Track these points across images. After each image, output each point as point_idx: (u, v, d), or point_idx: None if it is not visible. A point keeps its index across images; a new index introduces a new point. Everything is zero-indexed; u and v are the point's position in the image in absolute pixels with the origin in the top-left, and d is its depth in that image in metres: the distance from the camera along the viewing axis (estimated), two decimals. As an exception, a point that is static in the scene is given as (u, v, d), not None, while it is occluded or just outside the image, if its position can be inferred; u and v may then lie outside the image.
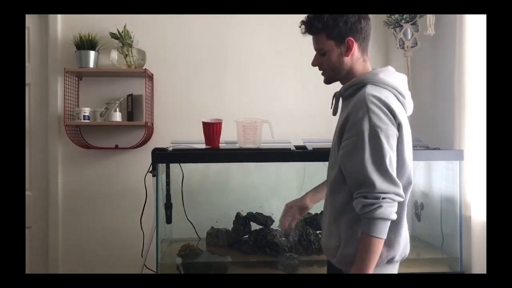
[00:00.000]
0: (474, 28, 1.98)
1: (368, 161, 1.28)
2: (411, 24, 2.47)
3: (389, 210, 1.28)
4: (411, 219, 2.53)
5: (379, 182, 1.27)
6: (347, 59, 1.45)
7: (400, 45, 2.54)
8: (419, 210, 2.40)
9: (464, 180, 2.03)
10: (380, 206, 1.26)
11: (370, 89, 1.35)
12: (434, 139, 2.39)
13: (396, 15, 2.48)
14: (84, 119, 2.55)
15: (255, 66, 2.71)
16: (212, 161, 2.03)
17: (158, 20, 2.69)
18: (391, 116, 1.32)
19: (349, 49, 1.44)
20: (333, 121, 2.66)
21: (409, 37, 2.49)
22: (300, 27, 1.51)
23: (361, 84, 1.40)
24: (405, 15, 2.46)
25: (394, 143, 1.32)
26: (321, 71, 1.52)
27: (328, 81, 1.54)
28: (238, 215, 2.20)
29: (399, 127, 1.34)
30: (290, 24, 2.79)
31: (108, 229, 2.69)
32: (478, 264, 1.93)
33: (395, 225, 1.35)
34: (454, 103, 2.11)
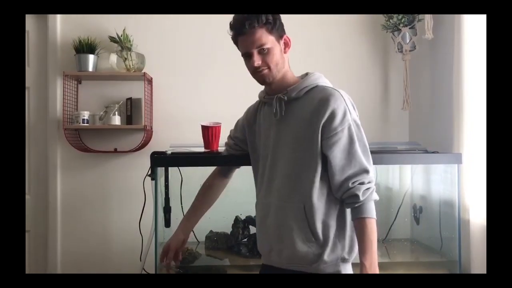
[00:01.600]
0: (472, 31, 1.98)
1: (359, 151, 1.39)
2: (410, 28, 2.48)
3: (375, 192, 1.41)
4: (410, 223, 2.53)
5: (370, 168, 1.40)
6: (286, 57, 1.51)
7: (398, 49, 2.55)
8: (417, 213, 2.40)
9: (462, 184, 2.03)
10: (374, 189, 1.39)
11: (332, 89, 1.45)
12: (433, 142, 2.39)
13: (395, 19, 2.49)
14: (83, 122, 2.55)
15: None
16: (211, 165, 2.03)
17: (157, 24, 2.70)
18: (356, 110, 1.47)
19: (287, 45, 1.50)
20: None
21: (408, 41, 2.49)
22: (232, 26, 1.47)
23: (312, 85, 1.47)
24: (403, 19, 2.47)
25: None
26: (258, 71, 1.47)
27: (268, 77, 1.49)
28: (237, 219, 2.19)
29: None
30: (290, 26, 2.81)
31: (107, 232, 2.69)
32: (477, 267, 1.93)
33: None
34: (453, 107, 2.11)
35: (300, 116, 1.44)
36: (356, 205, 1.37)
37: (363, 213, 1.37)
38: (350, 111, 1.41)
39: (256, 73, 1.48)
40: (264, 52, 1.44)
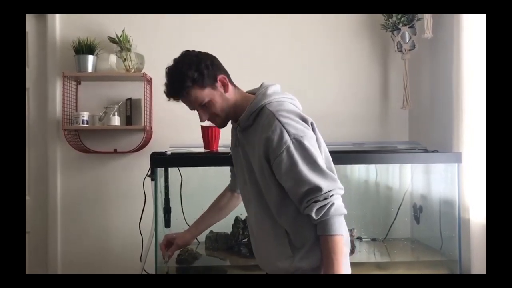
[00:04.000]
0: (471, 31, 1.98)
1: (304, 170, 1.32)
2: (409, 27, 2.48)
3: (340, 205, 1.34)
4: (410, 222, 2.53)
5: (323, 183, 1.31)
6: (228, 95, 1.46)
7: (398, 48, 2.55)
8: (417, 213, 2.40)
9: (462, 183, 2.03)
10: (333, 204, 1.31)
11: (271, 108, 1.40)
12: (433, 142, 2.39)
13: (394, 18, 2.49)
14: (82, 123, 2.55)
15: (254, 69, 2.71)
16: (210, 165, 2.03)
17: (156, 24, 2.70)
18: (301, 121, 1.39)
19: (225, 85, 1.46)
20: (333, 123, 2.67)
21: (407, 40, 2.49)
22: (167, 94, 1.49)
23: (258, 109, 1.43)
24: (402, 18, 2.47)
25: (315, 143, 1.39)
26: (211, 121, 1.50)
27: (222, 124, 1.53)
28: (237, 219, 2.19)
29: (312, 127, 1.41)
30: (291, 25, 2.82)
31: (107, 233, 2.69)
32: (477, 266, 1.93)
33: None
34: (452, 106, 2.11)
35: (253, 144, 1.44)
36: (315, 223, 1.34)
37: (322, 230, 1.33)
38: (287, 130, 1.34)
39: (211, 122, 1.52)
40: (206, 106, 1.45)
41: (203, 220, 1.80)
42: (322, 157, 1.39)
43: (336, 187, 1.33)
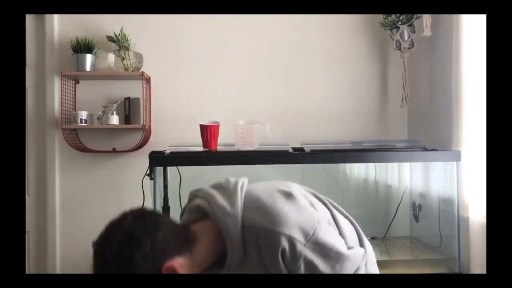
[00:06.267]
0: (470, 29, 1.98)
1: (327, 269, 1.14)
2: (408, 26, 2.48)
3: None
4: (409, 220, 2.53)
5: (347, 269, 1.17)
6: (194, 269, 1.10)
7: (396, 47, 2.55)
8: (417, 211, 2.40)
9: (462, 181, 2.03)
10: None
11: (256, 220, 1.10)
12: (432, 140, 2.39)
13: (393, 16, 2.49)
14: (81, 122, 2.54)
15: (253, 69, 2.71)
16: (209, 164, 2.03)
17: (154, 23, 2.69)
18: (296, 204, 1.15)
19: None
20: (332, 121, 2.67)
21: (406, 38, 2.49)
22: None
23: (240, 235, 1.11)
24: (401, 16, 2.46)
25: (326, 217, 1.20)
26: None
27: None
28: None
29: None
30: (289, 24, 2.81)
31: (106, 232, 2.68)
32: (477, 264, 1.93)
33: None
34: (451, 104, 2.11)
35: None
36: None
37: None
38: (298, 239, 1.09)
39: None
40: None
41: None
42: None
43: (361, 258, 1.19)
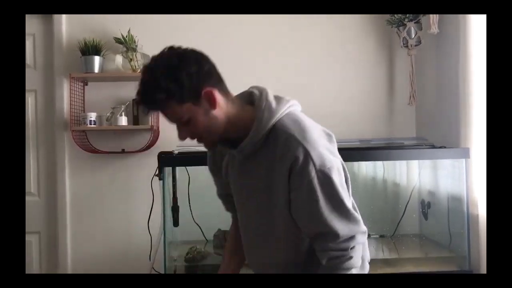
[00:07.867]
0: (478, 25, 1.97)
1: (325, 211, 1.12)
2: (415, 23, 2.47)
3: (357, 259, 1.15)
4: (418, 218, 2.52)
5: (342, 228, 1.12)
6: (217, 112, 1.15)
7: (403, 44, 2.54)
8: (426, 209, 2.40)
9: (470, 178, 2.02)
10: (350, 257, 1.13)
11: (286, 126, 1.15)
12: (440, 137, 2.38)
13: (399, 14, 2.48)
14: (90, 124, 2.56)
15: (260, 69, 2.71)
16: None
17: (162, 24, 2.70)
18: (327, 143, 1.17)
19: (211, 100, 1.13)
20: (340, 120, 2.66)
21: (413, 35, 2.48)
22: (139, 106, 1.19)
23: (268, 129, 1.16)
24: (408, 14, 2.46)
25: (343, 174, 1.19)
26: (197, 141, 1.22)
27: (209, 145, 1.24)
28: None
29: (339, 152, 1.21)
30: (296, 23, 2.81)
31: (116, 232, 2.71)
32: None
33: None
34: (459, 101, 2.10)
35: (262, 174, 1.19)
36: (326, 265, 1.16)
37: (325, 270, 1.16)
38: (314, 161, 1.10)
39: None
40: (186, 124, 1.17)
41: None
42: (347, 193, 1.18)
43: (358, 232, 1.14)
